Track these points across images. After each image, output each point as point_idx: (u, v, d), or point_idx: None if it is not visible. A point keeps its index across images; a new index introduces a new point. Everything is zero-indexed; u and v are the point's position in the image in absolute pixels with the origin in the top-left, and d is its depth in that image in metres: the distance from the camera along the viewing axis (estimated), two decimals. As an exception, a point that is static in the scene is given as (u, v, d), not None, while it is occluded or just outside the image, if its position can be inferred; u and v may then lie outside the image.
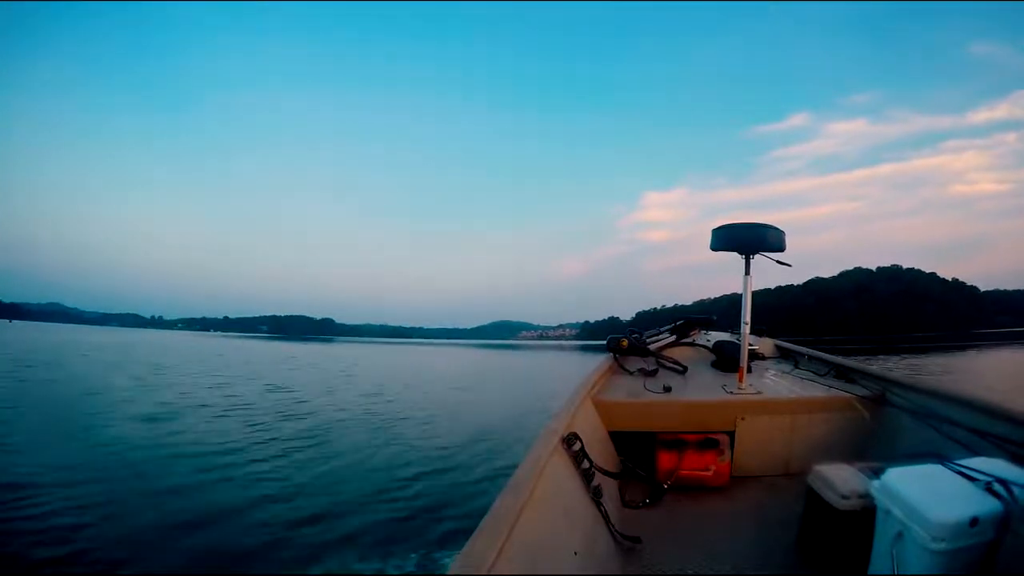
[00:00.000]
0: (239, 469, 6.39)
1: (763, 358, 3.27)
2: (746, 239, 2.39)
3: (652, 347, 3.16)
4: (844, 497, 1.38)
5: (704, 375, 2.84)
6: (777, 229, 2.40)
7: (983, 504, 1.07)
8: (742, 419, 2.23)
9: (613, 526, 1.60)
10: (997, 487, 1.09)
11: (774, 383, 2.62)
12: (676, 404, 2.30)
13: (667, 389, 2.44)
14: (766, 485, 2.14)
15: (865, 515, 1.29)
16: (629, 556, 1.58)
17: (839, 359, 2.83)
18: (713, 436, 2.14)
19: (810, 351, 3.25)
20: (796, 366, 3.01)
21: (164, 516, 4.78)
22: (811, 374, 2.76)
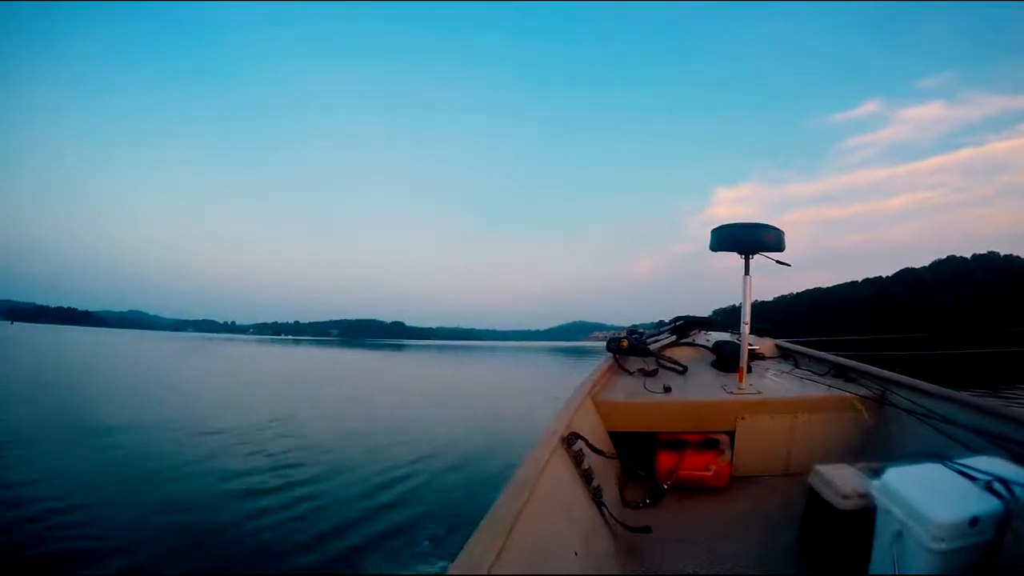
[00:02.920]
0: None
1: (763, 358, 3.26)
2: (745, 239, 2.39)
3: (652, 347, 3.16)
4: (844, 497, 1.38)
5: (704, 375, 2.83)
6: (776, 229, 2.39)
7: (983, 503, 1.07)
8: (742, 419, 2.23)
9: (613, 526, 1.61)
10: (997, 486, 1.09)
11: (774, 383, 2.61)
12: (676, 404, 2.30)
13: (667, 389, 2.44)
14: (766, 485, 2.14)
15: (865, 515, 1.29)
16: (629, 556, 1.58)
17: (839, 359, 2.81)
18: (713, 436, 2.14)
19: (810, 351, 3.24)
20: (796, 366, 3.01)
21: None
22: (811, 374, 2.75)
